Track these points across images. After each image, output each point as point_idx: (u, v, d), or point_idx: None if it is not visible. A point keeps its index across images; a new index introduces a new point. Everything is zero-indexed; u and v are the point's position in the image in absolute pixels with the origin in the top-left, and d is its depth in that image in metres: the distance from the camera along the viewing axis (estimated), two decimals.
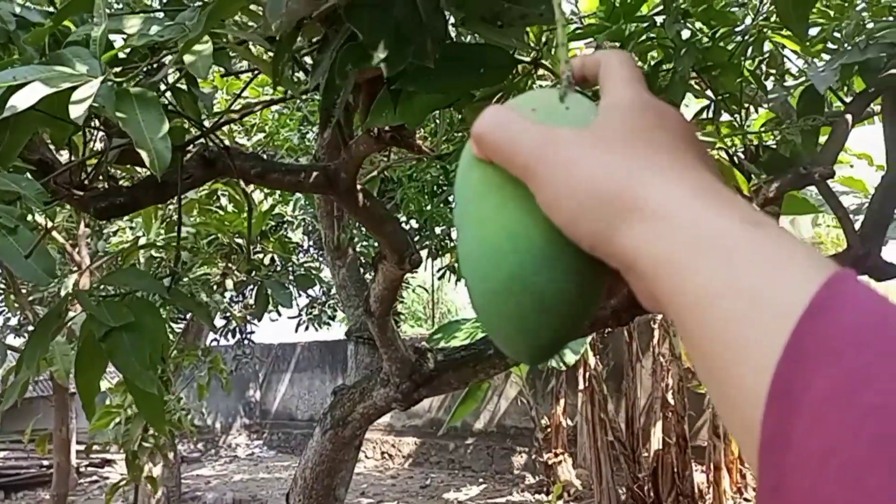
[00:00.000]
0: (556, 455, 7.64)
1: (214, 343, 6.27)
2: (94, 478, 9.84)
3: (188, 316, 4.93)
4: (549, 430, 7.79)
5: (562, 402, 7.78)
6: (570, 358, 6.17)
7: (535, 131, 0.36)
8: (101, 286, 1.30)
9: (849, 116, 1.98)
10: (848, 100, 2.08)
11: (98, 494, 8.61)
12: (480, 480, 8.97)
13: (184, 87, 1.28)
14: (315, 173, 1.64)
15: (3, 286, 6.65)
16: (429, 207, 4.43)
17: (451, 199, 4.94)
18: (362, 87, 1.21)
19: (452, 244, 4.93)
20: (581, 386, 6.86)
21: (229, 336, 5.96)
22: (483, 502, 7.75)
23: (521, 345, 0.40)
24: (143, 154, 0.77)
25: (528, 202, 0.36)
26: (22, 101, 0.75)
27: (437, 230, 4.92)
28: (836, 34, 2.05)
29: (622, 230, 0.32)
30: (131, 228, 3.51)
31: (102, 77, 0.79)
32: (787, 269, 0.27)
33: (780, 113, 2.11)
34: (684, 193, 0.31)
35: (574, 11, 2.32)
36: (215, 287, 3.12)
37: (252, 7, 1.07)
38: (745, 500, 6.65)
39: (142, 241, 3.17)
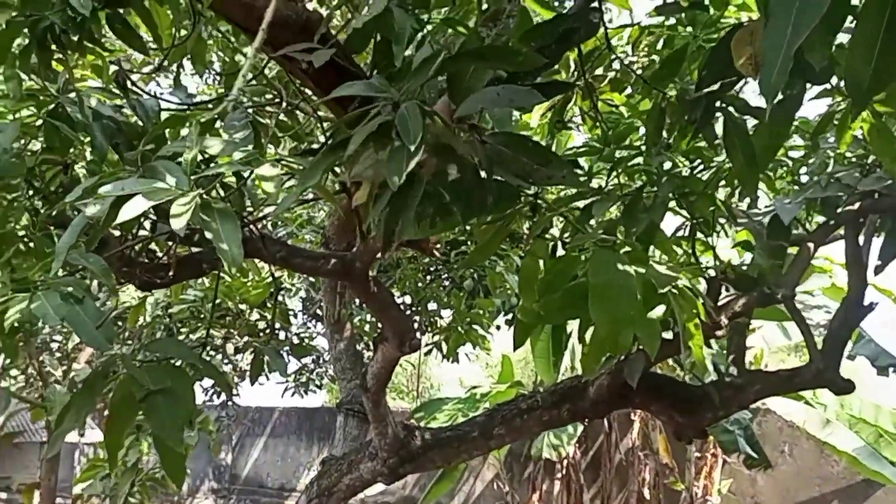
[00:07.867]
0: None
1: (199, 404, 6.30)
2: None
3: None
4: None
5: (539, 489, 7.74)
6: (562, 450, 6.26)
7: None
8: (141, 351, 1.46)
9: (811, 244, 2.22)
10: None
11: None
12: None
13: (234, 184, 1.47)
14: (333, 261, 1.83)
15: None
16: (423, 287, 4.62)
17: (444, 277, 5.16)
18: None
19: (442, 321, 5.12)
20: (558, 474, 6.88)
21: (214, 398, 6.00)
22: None
23: None
24: (222, 256, 0.97)
25: None
26: (130, 211, 0.95)
27: (430, 306, 5.10)
28: (803, 173, 2.31)
29: None
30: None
31: (193, 194, 0.99)
32: None
33: (753, 233, 2.34)
34: None
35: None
36: (218, 350, 3.26)
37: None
38: None
39: (149, 301, 3.32)
